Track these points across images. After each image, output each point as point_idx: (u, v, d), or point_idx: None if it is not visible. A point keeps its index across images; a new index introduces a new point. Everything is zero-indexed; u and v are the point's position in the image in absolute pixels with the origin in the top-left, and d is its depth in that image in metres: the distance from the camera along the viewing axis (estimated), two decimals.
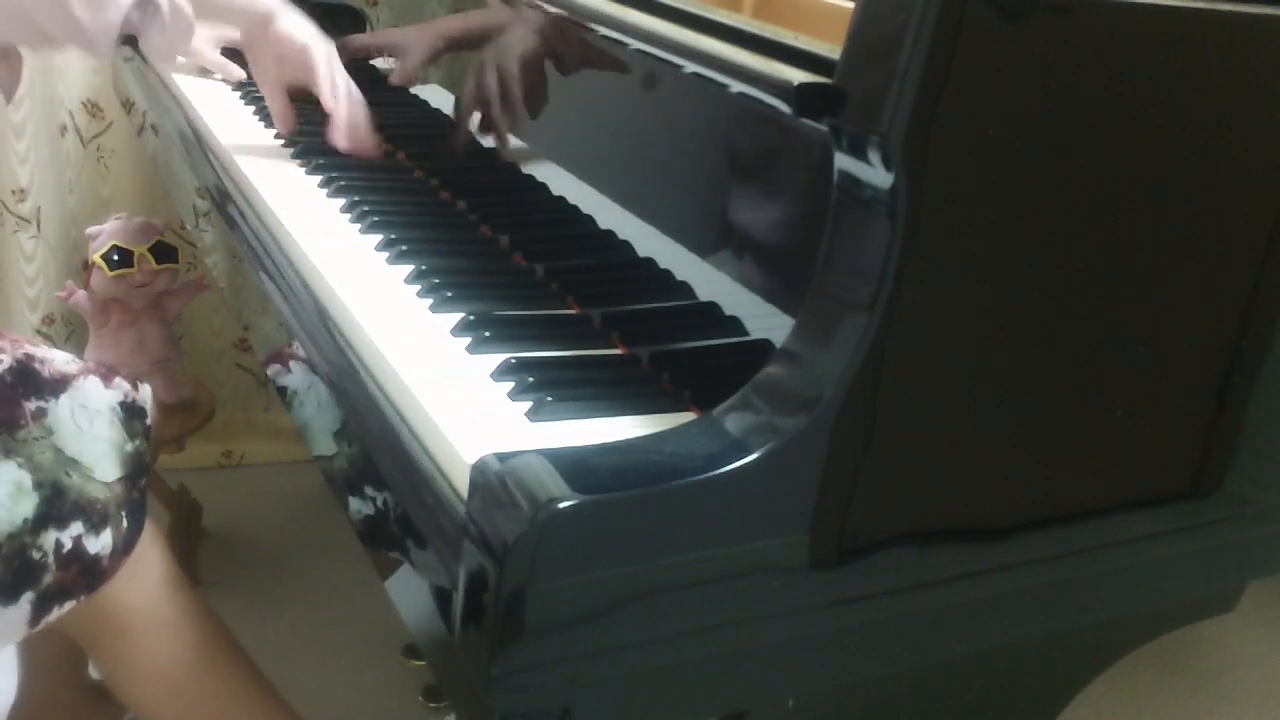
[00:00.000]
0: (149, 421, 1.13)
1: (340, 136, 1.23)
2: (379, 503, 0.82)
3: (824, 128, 0.73)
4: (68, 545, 1.02)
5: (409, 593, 0.78)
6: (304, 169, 1.24)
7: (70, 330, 2.03)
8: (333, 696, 1.58)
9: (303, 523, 1.99)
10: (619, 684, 0.70)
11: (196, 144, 1.36)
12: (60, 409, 1.05)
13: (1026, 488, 0.82)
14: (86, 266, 1.77)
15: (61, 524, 1.01)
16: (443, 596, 0.72)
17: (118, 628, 1.10)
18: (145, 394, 1.14)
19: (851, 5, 0.71)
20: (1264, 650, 1.89)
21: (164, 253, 1.73)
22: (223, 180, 1.26)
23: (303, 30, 1.24)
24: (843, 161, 0.72)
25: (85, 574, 1.04)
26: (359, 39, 1.44)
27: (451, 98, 1.40)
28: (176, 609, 1.12)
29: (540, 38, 1.16)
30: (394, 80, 1.44)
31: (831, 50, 0.74)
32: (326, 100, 1.23)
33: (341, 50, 1.30)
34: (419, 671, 1.41)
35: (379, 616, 1.72)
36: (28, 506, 1.00)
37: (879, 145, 0.69)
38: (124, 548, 1.07)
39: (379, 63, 1.62)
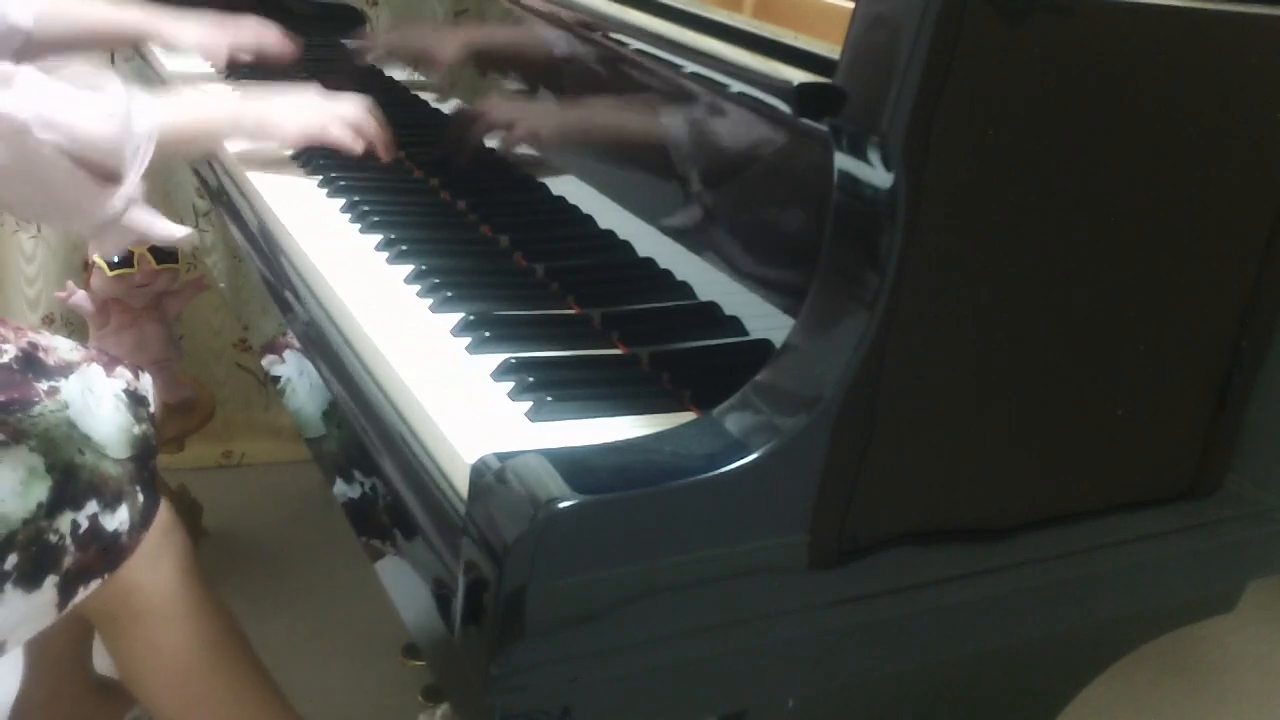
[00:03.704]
0: (152, 409, 1.14)
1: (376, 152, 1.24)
2: (370, 488, 0.83)
3: (824, 127, 0.73)
4: (84, 525, 1.02)
5: (408, 592, 0.78)
6: (304, 169, 1.24)
7: (70, 330, 2.03)
8: (333, 696, 1.58)
9: (303, 523, 1.99)
10: (619, 684, 0.70)
11: None
12: (71, 386, 1.06)
13: (1027, 488, 0.82)
14: (86, 266, 1.77)
15: (76, 505, 1.02)
16: (442, 596, 0.72)
17: (133, 612, 1.10)
18: (146, 382, 1.15)
19: (851, 5, 0.71)
20: (1264, 650, 1.89)
21: (164, 253, 1.73)
22: (223, 180, 1.26)
23: (279, 119, 1.21)
24: (843, 161, 0.72)
25: (105, 552, 1.04)
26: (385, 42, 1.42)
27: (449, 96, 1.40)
28: (191, 599, 1.13)
29: (544, 42, 1.16)
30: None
31: (831, 50, 0.74)
32: (349, 148, 1.23)
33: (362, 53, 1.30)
34: (419, 671, 1.41)
35: (379, 616, 1.71)
36: (41, 491, 1.00)
37: (879, 145, 0.69)
38: (141, 523, 1.08)
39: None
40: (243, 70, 1.50)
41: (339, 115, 1.21)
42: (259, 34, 1.48)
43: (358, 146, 1.21)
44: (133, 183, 1.05)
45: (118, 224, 1.06)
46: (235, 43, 1.47)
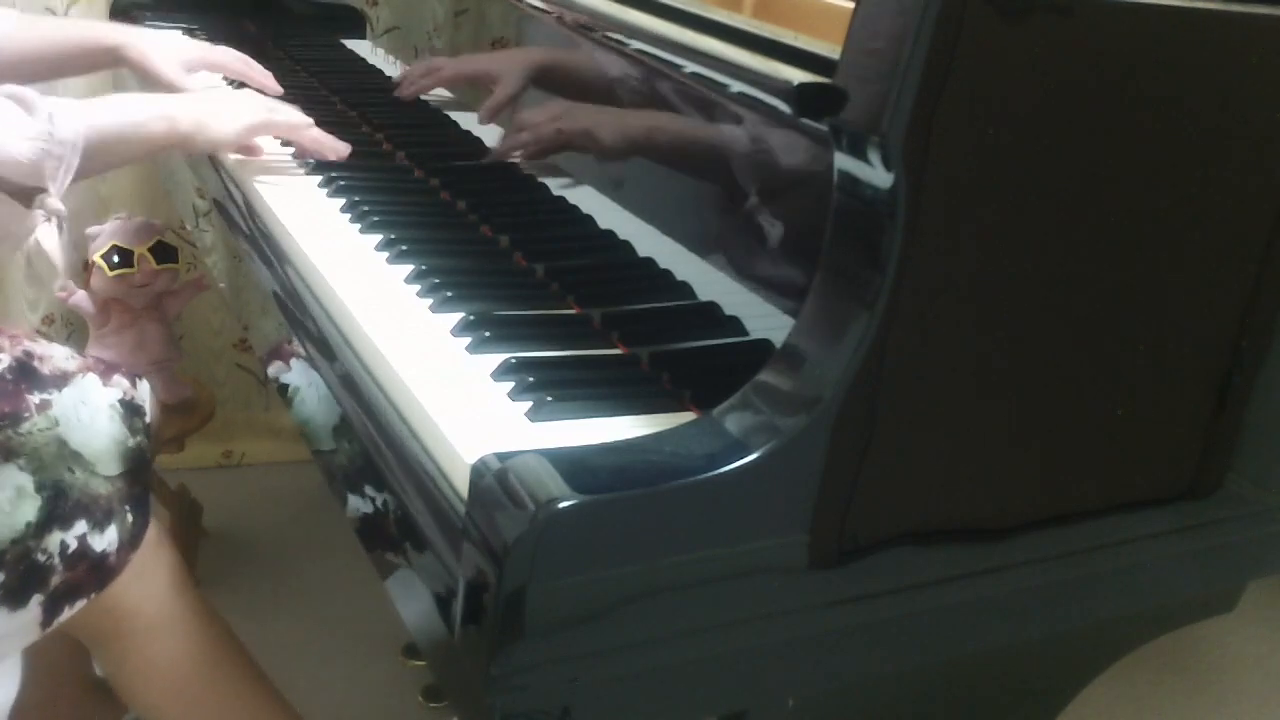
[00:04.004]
0: (148, 420, 1.13)
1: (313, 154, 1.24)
2: (378, 502, 0.82)
3: (824, 127, 0.73)
4: (73, 545, 1.02)
5: (409, 592, 0.78)
6: (303, 169, 1.24)
7: (70, 330, 2.03)
8: (333, 696, 1.58)
9: (303, 523, 1.99)
10: (619, 684, 0.70)
11: None
12: (64, 399, 1.05)
13: (1027, 488, 0.82)
14: (86, 266, 1.77)
15: (65, 524, 1.01)
16: (442, 596, 0.72)
17: (124, 628, 1.10)
18: (144, 391, 1.15)
19: (851, 5, 0.71)
20: (1264, 650, 1.89)
21: (164, 253, 1.73)
22: (223, 180, 1.26)
23: (218, 121, 1.17)
24: (843, 161, 0.72)
25: (93, 572, 1.04)
26: (447, 70, 1.40)
27: (446, 96, 1.40)
28: (182, 611, 1.12)
29: (542, 41, 1.16)
30: (482, 119, 1.31)
31: (831, 50, 0.74)
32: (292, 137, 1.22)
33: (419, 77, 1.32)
34: (419, 671, 1.41)
35: (379, 616, 1.71)
36: (30, 510, 1.00)
37: (879, 145, 0.69)
38: (130, 542, 1.07)
39: (381, 63, 1.62)
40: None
41: (281, 109, 1.20)
42: (238, 70, 1.44)
43: (298, 135, 1.21)
44: (55, 199, 1.01)
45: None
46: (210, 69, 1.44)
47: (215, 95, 1.23)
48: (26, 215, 1.01)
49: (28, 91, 1.01)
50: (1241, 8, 0.79)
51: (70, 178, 1.02)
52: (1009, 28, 0.70)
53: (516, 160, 1.22)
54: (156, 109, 1.14)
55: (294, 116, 1.21)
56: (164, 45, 1.38)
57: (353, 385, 0.87)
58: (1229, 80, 0.79)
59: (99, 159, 1.06)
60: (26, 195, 1.00)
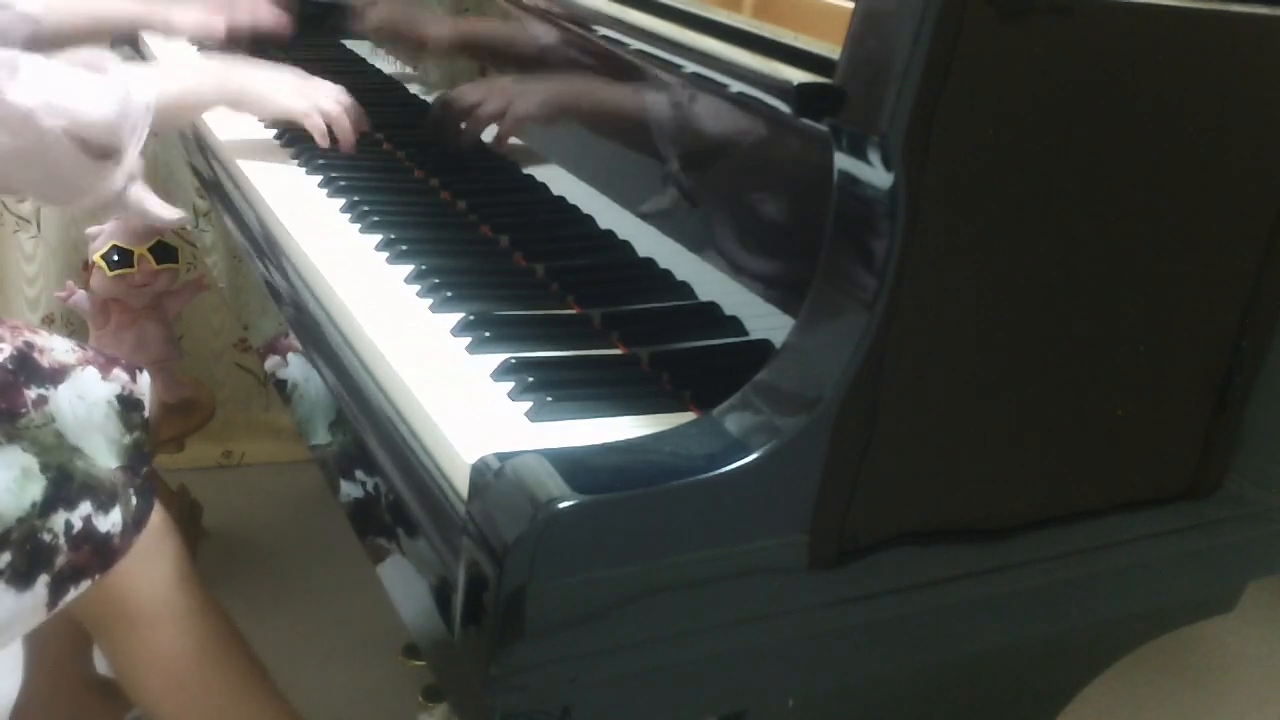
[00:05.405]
0: (146, 414, 1.14)
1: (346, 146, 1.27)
2: (370, 488, 0.83)
3: (824, 127, 0.73)
4: (78, 525, 1.02)
5: (409, 593, 0.78)
6: (303, 169, 1.24)
7: (70, 330, 2.03)
8: (333, 696, 1.58)
9: (303, 523, 1.99)
10: (619, 684, 0.70)
11: (195, 143, 1.36)
12: (60, 397, 1.05)
13: (1027, 488, 0.82)
14: (86, 266, 1.77)
15: (70, 505, 1.02)
16: (442, 596, 0.72)
17: (128, 617, 1.10)
18: (143, 383, 1.15)
19: (851, 5, 0.71)
20: (1264, 650, 1.89)
21: (164, 253, 1.73)
22: (222, 179, 1.26)
23: (264, 90, 1.24)
24: (843, 161, 0.72)
25: (98, 553, 1.04)
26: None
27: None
28: (186, 603, 1.13)
29: (542, 40, 1.16)
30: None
31: (831, 50, 0.74)
32: (317, 140, 1.25)
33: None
34: (419, 671, 1.41)
35: (379, 616, 1.71)
36: (35, 490, 1.00)
37: (879, 145, 0.69)
38: (135, 525, 1.07)
39: (386, 67, 1.62)
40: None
41: (319, 106, 1.25)
42: (254, 11, 1.52)
43: (325, 142, 1.25)
44: (132, 158, 1.08)
45: (120, 200, 1.10)
46: (232, 23, 1.51)
47: (258, 66, 1.29)
48: (103, 172, 1.07)
49: (105, 57, 1.11)
50: (1241, 8, 0.79)
51: (143, 142, 1.09)
52: (1009, 28, 0.70)
53: (515, 158, 1.23)
54: (210, 76, 1.25)
55: (323, 124, 1.24)
56: (184, 8, 1.50)
57: (352, 385, 0.87)
58: (1229, 80, 0.79)
59: (164, 123, 1.14)
60: (103, 155, 1.07)
